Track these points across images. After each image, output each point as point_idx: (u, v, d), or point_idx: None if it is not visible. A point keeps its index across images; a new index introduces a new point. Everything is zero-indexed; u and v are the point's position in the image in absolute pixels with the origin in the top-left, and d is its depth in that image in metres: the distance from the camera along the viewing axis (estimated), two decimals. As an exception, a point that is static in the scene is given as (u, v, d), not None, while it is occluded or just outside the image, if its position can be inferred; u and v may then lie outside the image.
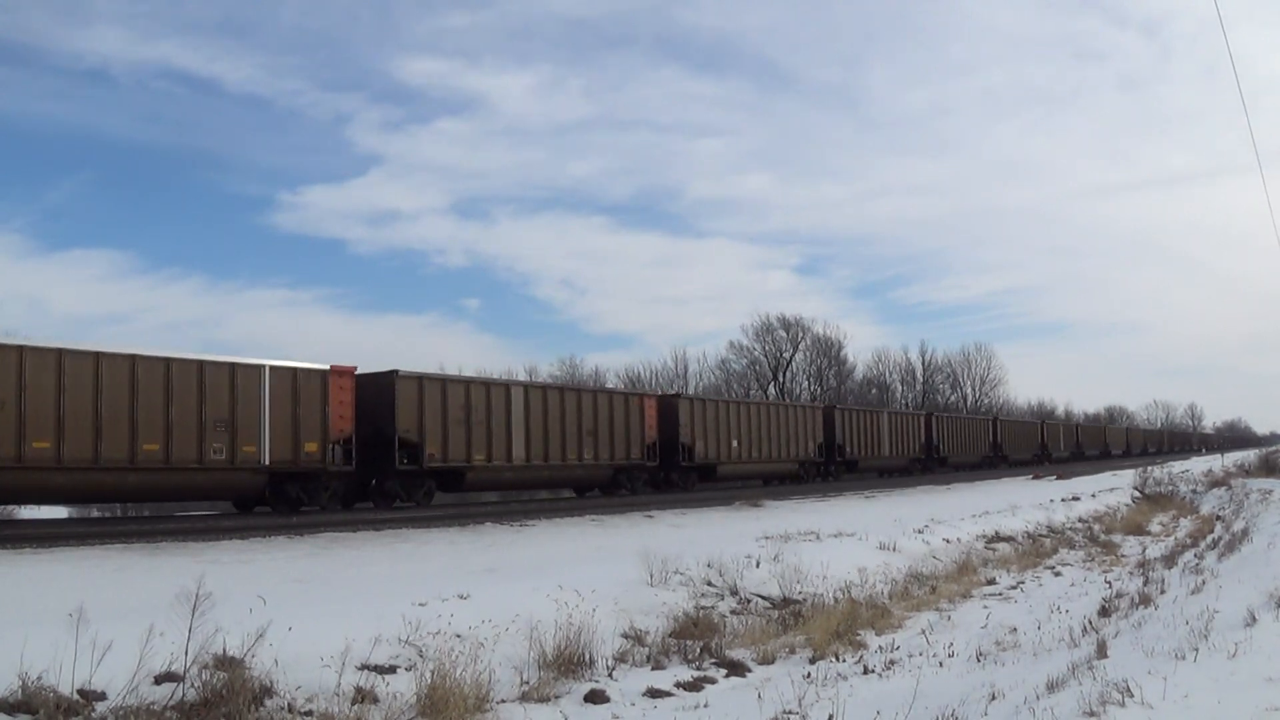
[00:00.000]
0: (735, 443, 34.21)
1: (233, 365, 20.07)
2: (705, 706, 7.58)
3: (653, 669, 8.68)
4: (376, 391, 22.79)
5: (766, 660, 9.18)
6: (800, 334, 76.37)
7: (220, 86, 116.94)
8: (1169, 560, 14.98)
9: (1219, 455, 66.56)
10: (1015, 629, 10.00)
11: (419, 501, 23.56)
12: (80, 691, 6.11)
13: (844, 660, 9.06)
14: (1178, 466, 48.59)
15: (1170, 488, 32.34)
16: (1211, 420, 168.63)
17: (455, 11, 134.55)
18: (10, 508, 23.20)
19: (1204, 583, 10.67)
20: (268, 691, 6.65)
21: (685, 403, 33.00)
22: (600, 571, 11.55)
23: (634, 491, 29.25)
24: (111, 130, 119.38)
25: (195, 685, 6.41)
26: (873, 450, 43.71)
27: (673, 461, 31.48)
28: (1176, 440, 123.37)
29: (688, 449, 31.79)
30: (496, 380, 30.99)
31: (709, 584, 11.83)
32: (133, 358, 18.74)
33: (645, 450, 29.90)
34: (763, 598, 11.77)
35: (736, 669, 8.79)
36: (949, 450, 51.46)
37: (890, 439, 45.51)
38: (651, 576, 11.38)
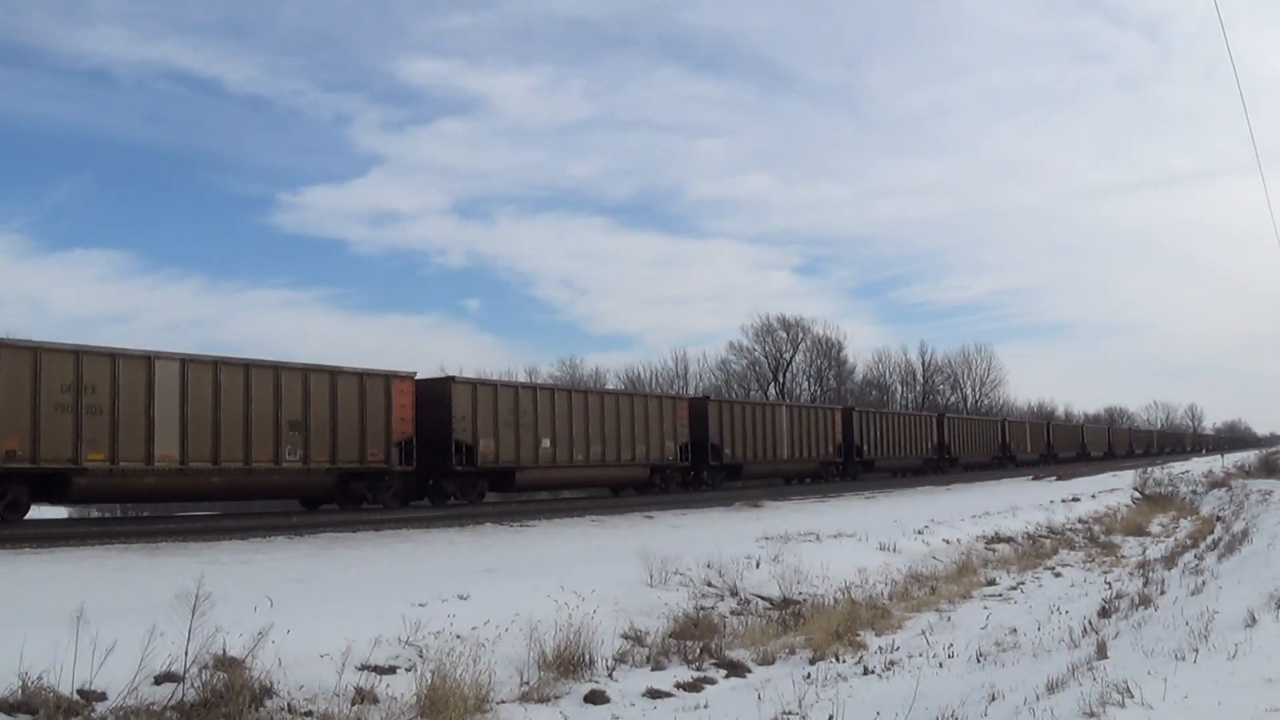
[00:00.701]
0: (760, 443, 35.56)
1: (306, 370, 21.43)
2: (705, 707, 7.58)
3: (653, 669, 8.68)
4: (434, 396, 24.32)
5: (766, 661, 9.18)
6: (800, 334, 76.44)
7: (221, 87, 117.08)
8: (1169, 561, 14.97)
9: (1219, 456, 66.59)
10: (1015, 630, 10.00)
11: (471, 500, 25.16)
12: (80, 691, 6.11)
13: (844, 661, 9.06)
14: (1178, 467, 48.61)
15: (1170, 488, 32.37)
16: (1211, 421, 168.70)
17: (456, 12, 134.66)
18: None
19: (1204, 583, 10.67)
20: (268, 692, 6.65)
21: (714, 405, 34.63)
22: (600, 572, 11.55)
23: (667, 490, 30.72)
24: (112, 130, 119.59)
25: (195, 685, 6.41)
26: (888, 451, 45.19)
27: (702, 461, 32.95)
28: (1178, 440, 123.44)
29: (716, 449, 33.24)
30: (543, 385, 33.46)
31: (709, 584, 11.83)
32: (215, 362, 19.90)
33: (678, 451, 31.57)
34: (763, 598, 11.77)
35: (736, 669, 8.79)
36: (960, 451, 52.94)
37: (905, 440, 47.13)
38: (651, 577, 11.38)
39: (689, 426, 32.21)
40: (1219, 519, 23.14)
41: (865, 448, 42.85)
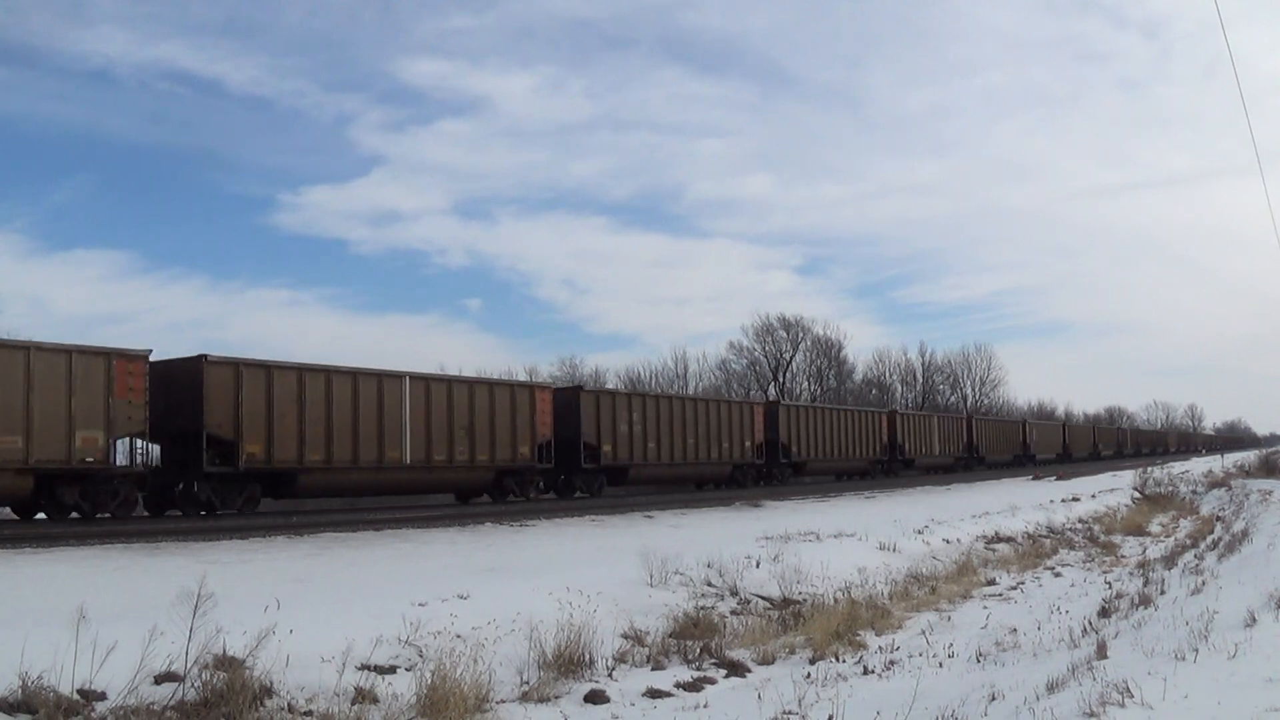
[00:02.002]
0: (821, 443, 39.59)
1: (471, 384, 26.03)
2: (705, 707, 7.58)
3: (653, 669, 8.68)
4: (566, 403, 27.84)
5: (766, 660, 9.18)
6: (800, 334, 76.47)
7: (223, 87, 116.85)
8: (1169, 561, 14.97)
9: (1219, 456, 66.65)
10: (1015, 629, 10.00)
11: (594, 493, 28.70)
12: (80, 691, 6.11)
13: (844, 660, 9.06)
14: (1178, 467, 48.61)
15: (1170, 488, 32.36)
16: (1211, 421, 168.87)
17: (458, 13, 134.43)
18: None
19: (1204, 583, 10.66)
20: (268, 691, 6.66)
21: (784, 409, 38.55)
22: (600, 572, 11.56)
23: (744, 485, 34.72)
24: (114, 131, 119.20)
25: (195, 685, 6.41)
26: (927, 449, 48.90)
27: (774, 459, 36.77)
28: (1189, 440, 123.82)
29: (785, 448, 37.14)
30: (649, 393, 37.71)
31: (709, 584, 11.83)
32: (426, 379, 23.92)
33: (755, 450, 35.43)
34: (763, 598, 11.77)
35: (736, 669, 8.79)
36: (986, 450, 56.03)
37: (940, 439, 50.63)
38: (651, 577, 11.38)
39: (764, 428, 35.97)
40: (1219, 519, 23.13)
41: (907, 446, 46.71)
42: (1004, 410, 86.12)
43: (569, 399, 28.40)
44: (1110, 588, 12.60)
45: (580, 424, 28.00)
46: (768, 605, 11.54)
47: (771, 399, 44.09)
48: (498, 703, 7.30)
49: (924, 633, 10.23)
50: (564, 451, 27.62)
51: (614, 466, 29.37)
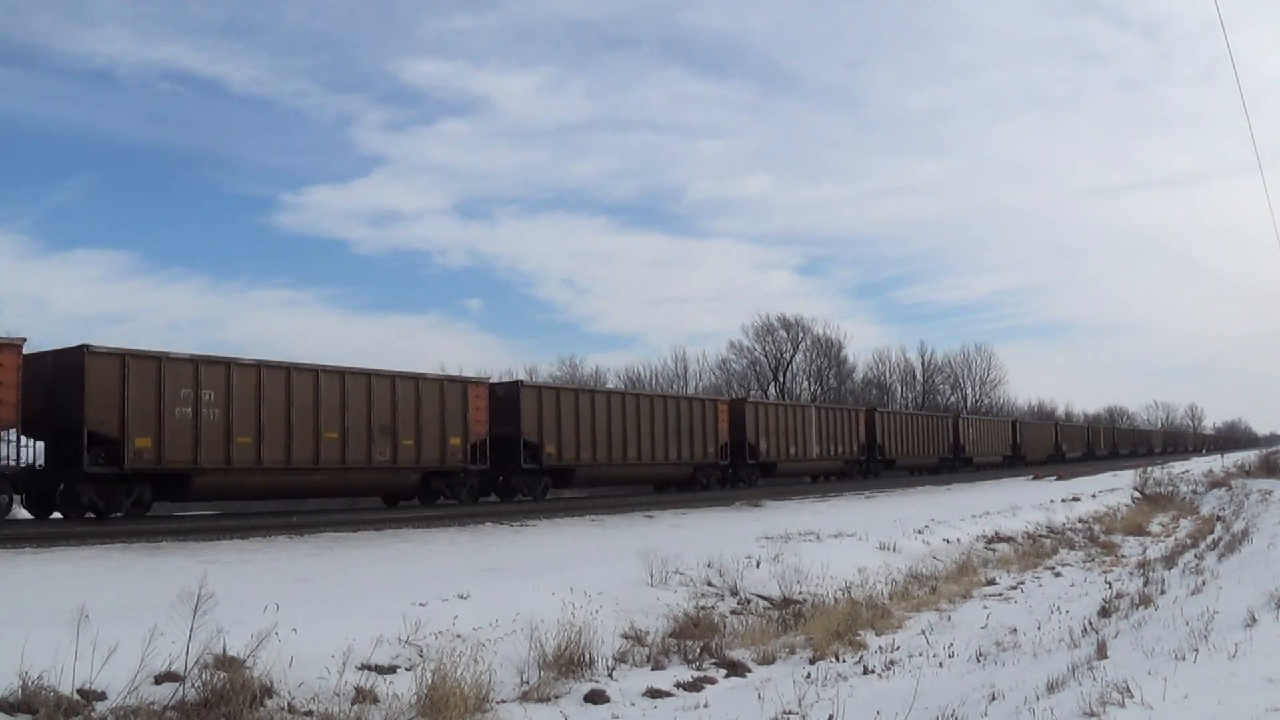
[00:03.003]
0: (792, 443, 37.87)
1: (394, 379, 23.46)
2: (705, 707, 7.58)
3: (653, 669, 8.68)
4: (504, 400, 26.27)
5: (767, 660, 9.18)
6: (800, 334, 76.51)
7: (225, 88, 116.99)
8: (1169, 561, 14.97)
9: (1219, 455, 66.59)
10: (1015, 629, 10.00)
11: (536, 496, 27.11)
12: (80, 691, 6.11)
13: (844, 660, 9.06)
14: (1178, 467, 48.59)
15: (1170, 488, 32.33)
16: (1211, 420, 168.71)
17: (459, 13, 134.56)
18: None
19: (1204, 583, 10.66)
20: (268, 691, 6.65)
21: (751, 407, 36.97)
22: (600, 572, 11.55)
23: (708, 487, 32.66)
24: (115, 131, 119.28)
25: (196, 685, 6.41)
26: (908, 450, 47.27)
27: (740, 460, 34.91)
28: (1181, 440, 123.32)
29: (753, 449, 35.32)
30: (599, 389, 33.94)
31: (709, 584, 11.83)
32: (341, 373, 22.22)
33: (719, 450, 33.42)
34: (763, 598, 11.77)
35: (736, 669, 8.78)
36: (973, 451, 55.01)
37: (923, 439, 49.74)
38: (652, 576, 11.38)
39: (728, 427, 33.91)
40: (1219, 519, 23.13)
41: (887, 446, 44.84)
42: (1003, 410, 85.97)
43: (507, 395, 26.51)
44: (1110, 588, 12.59)
45: (520, 422, 25.94)
46: (768, 605, 11.53)
47: (739, 396, 42.68)
48: (498, 702, 7.30)
49: (924, 633, 10.23)
50: (505, 452, 25.85)
51: (558, 468, 27.15)
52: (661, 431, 30.94)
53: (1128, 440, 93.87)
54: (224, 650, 6.79)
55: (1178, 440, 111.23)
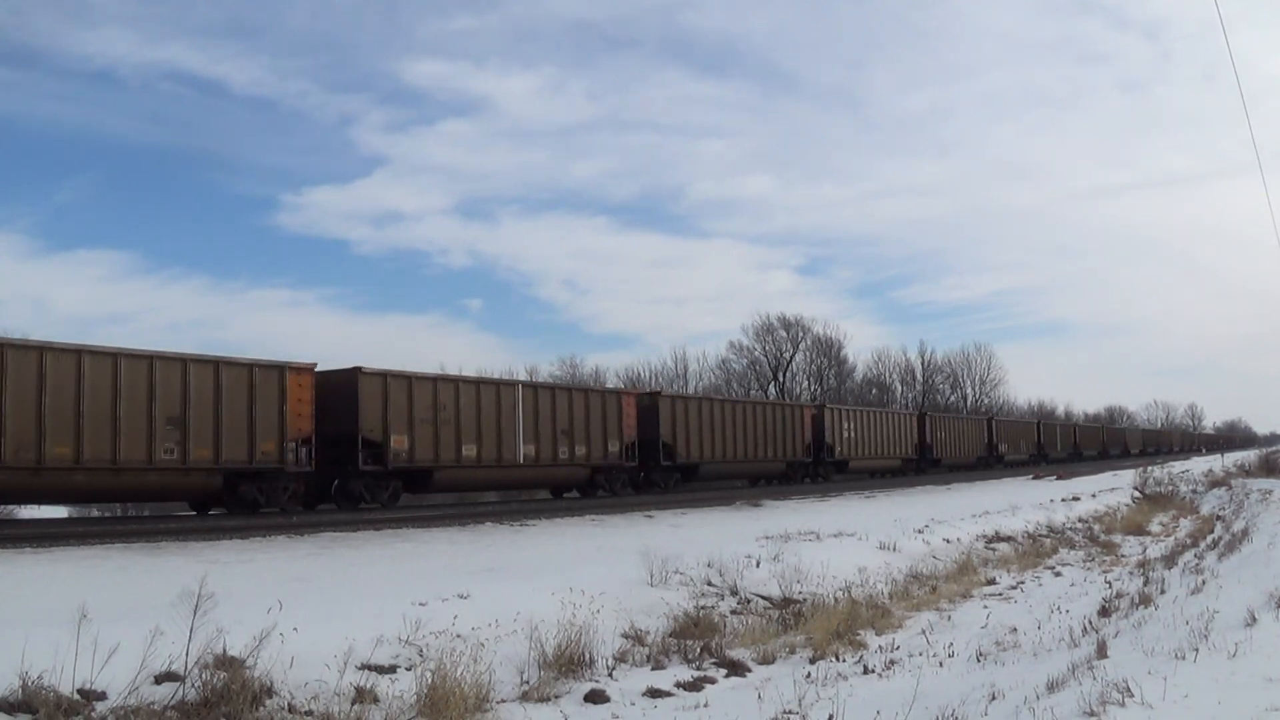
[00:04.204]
0: (720, 442, 34.19)
1: (185, 361, 20.27)
2: (705, 706, 7.58)
3: (653, 669, 8.67)
4: (338, 389, 22.58)
5: (767, 660, 9.18)
6: (800, 334, 76.51)
7: (226, 88, 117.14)
8: (1169, 560, 14.97)
9: (1219, 455, 66.50)
10: (1015, 629, 10.00)
11: (384, 503, 23.49)
12: (80, 691, 6.11)
13: (844, 660, 9.06)
14: (1178, 466, 48.58)
15: (1170, 488, 32.34)
16: (1211, 420, 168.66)
17: (460, 14, 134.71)
18: (10, 508, 23.19)
19: (1204, 583, 10.66)
20: (268, 691, 6.66)
21: (666, 401, 32.85)
22: (601, 571, 11.55)
23: (613, 491, 28.99)
24: (117, 131, 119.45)
25: (196, 685, 6.41)
26: (864, 450, 43.37)
27: (653, 462, 31.43)
28: (1179, 439, 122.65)
29: (669, 449, 31.74)
30: (465, 377, 28.30)
31: (709, 584, 11.83)
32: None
33: (626, 450, 29.51)
34: (763, 597, 11.76)
35: (736, 669, 8.78)
36: (943, 451, 51.15)
37: (883, 439, 45.36)
38: (652, 576, 11.38)
39: (636, 424, 29.84)
40: (1219, 518, 23.13)
41: (838, 447, 41.23)
42: (1002, 409, 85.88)
43: (344, 383, 22.14)
44: (1110, 587, 12.59)
45: (359, 414, 21.90)
46: (768, 605, 11.53)
47: (654, 389, 37.70)
48: (498, 702, 7.30)
49: (924, 632, 10.23)
50: (339, 449, 21.89)
51: (410, 469, 22.90)
52: (552, 428, 26.90)
53: (1119, 440, 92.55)
54: (224, 650, 6.79)
55: (1159, 441, 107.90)
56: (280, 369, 20.76)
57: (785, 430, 37.09)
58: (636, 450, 29.52)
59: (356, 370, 22.28)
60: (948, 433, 48.77)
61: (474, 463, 24.28)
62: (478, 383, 26.10)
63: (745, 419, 35.05)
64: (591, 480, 28.18)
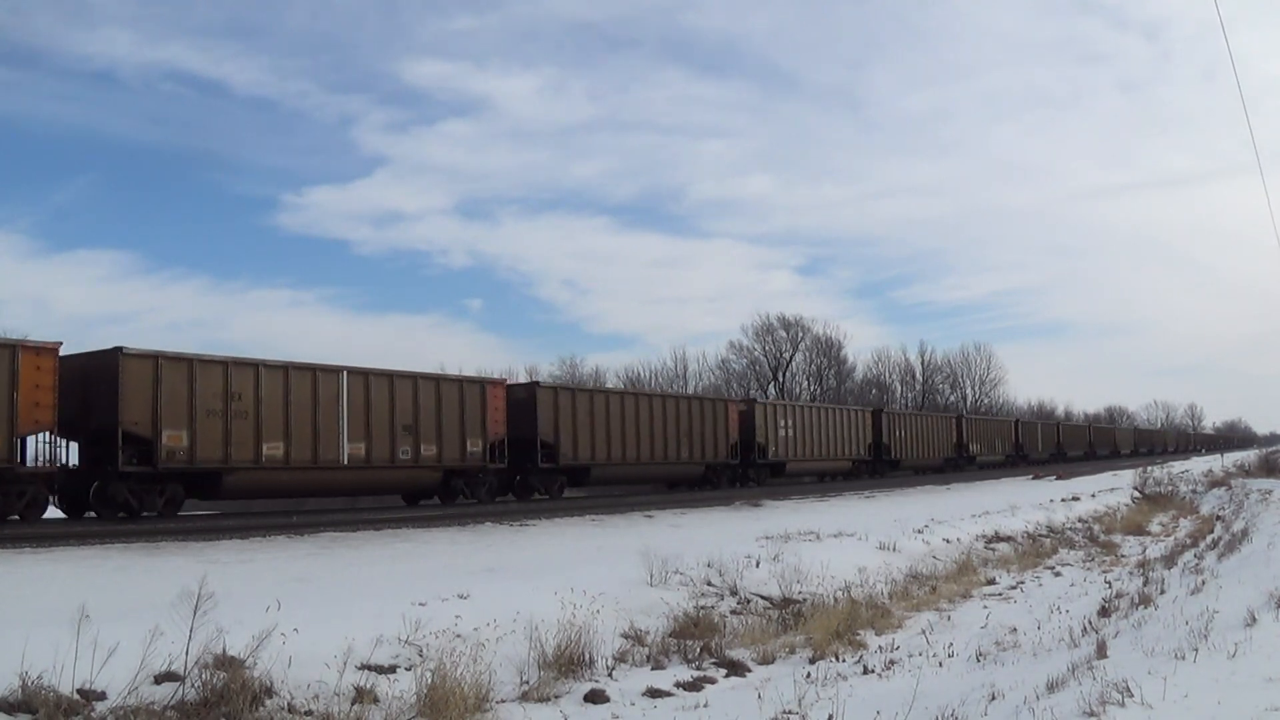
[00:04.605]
0: (619, 442, 29.64)
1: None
2: (705, 706, 7.58)
3: (653, 669, 8.67)
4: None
5: (766, 660, 9.18)
6: (800, 334, 76.50)
7: (227, 88, 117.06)
8: (1169, 560, 14.97)
9: (1219, 455, 66.44)
10: (1015, 629, 10.00)
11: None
12: (80, 691, 6.11)
13: (844, 660, 9.06)
14: (1178, 466, 48.59)
15: (1170, 488, 32.35)
16: (1211, 420, 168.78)
17: (461, 14, 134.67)
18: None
19: (1204, 583, 10.66)
20: (268, 691, 6.65)
21: (545, 393, 28.62)
22: (600, 571, 11.56)
23: (479, 498, 25.43)
24: (117, 132, 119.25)
25: (196, 685, 6.41)
26: (811, 451, 39.02)
27: (531, 462, 27.27)
28: (1179, 439, 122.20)
29: (550, 448, 27.27)
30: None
31: (709, 584, 11.83)
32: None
33: (492, 449, 25.67)
34: (763, 598, 11.77)
35: (736, 669, 8.78)
36: (905, 452, 47.04)
37: (834, 439, 40.72)
38: (651, 576, 11.39)
39: (506, 420, 25.81)
40: (1219, 518, 23.12)
41: (773, 448, 36.18)
42: (1003, 410, 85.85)
43: (102, 367, 18.46)
44: (1110, 587, 12.59)
45: (119, 404, 18.17)
46: (768, 605, 11.53)
47: (530, 379, 36.35)
48: (498, 702, 7.30)
49: (924, 632, 10.23)
50: (99, 447, 18.57)
51: (191, 471, 19.28)
52: (400, 423, 23.33)
53: (1128, 440, 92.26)
54: (224, 650, 6.79)
55: (1152, 441, 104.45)
56: (12, 348, 17.09)
57: (705, 429, 32.33)
58: (506, 450, 25.19)
59: (117, 351, 18.58)
60: (908, 431, 44.97)
61: (280, 464, 20.25)
62: (286, 368, 20.89)
63: (651, 415, 30.15)
64: (447, 485, 24.14)
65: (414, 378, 23.52)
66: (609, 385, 51.59)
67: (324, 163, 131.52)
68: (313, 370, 21.35)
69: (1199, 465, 52.33)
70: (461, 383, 25.00)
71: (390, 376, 22.94)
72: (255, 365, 20.39)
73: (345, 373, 21.95)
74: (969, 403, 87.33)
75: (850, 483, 39.04)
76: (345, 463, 21.54)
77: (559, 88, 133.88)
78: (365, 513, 21.26)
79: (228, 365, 19.86)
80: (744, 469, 34.70)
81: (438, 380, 24.22)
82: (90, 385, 18.42)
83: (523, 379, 51.78)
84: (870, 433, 42.60)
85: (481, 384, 25.53)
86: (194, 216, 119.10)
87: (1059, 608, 11.34)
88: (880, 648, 9.58)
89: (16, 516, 16.97)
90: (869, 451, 42.61)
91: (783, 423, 36.60)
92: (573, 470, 27.53)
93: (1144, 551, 17.66)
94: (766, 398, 63.12)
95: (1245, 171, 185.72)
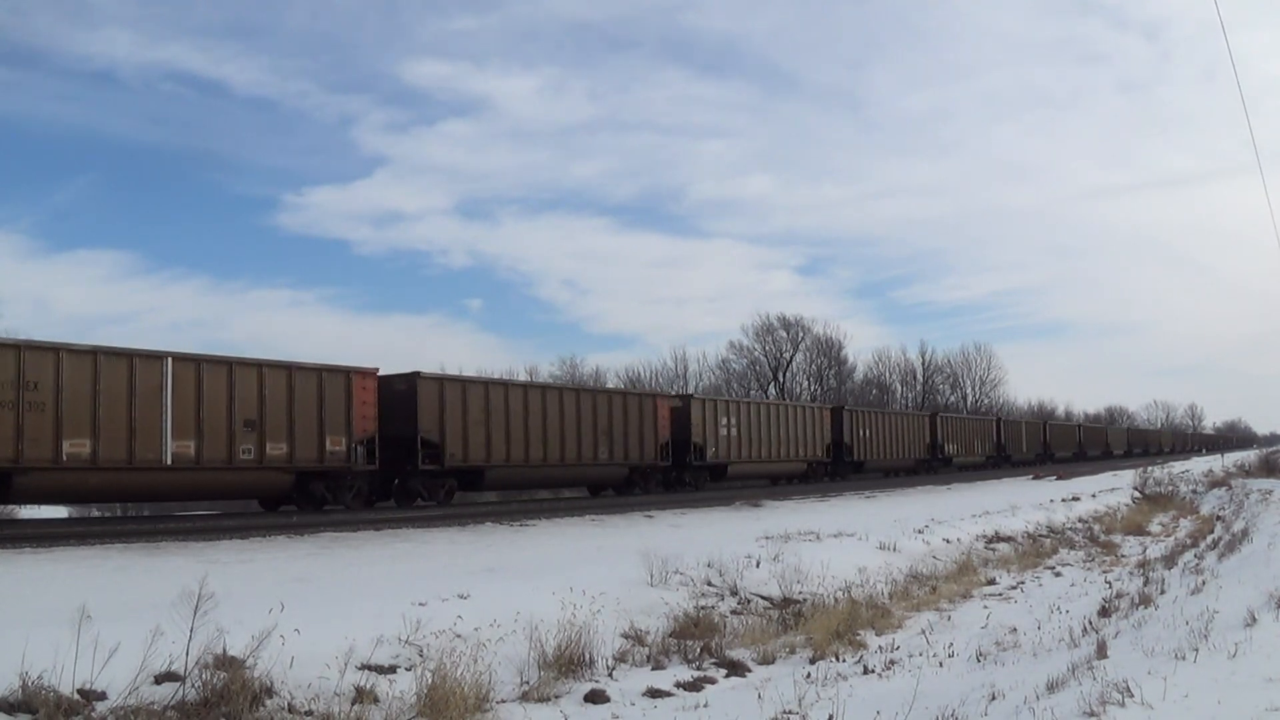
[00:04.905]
0: (520, 439, 26.42)
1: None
2: (705, 706, 7.58)
3: (653, 669, 8.68)
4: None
5: (766, 660, 9.18)
6: (800, 334, 76.55)
7: (227, 88, 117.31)
8: (1169, 560, 14.97)
9: (1219, 455, 66.36)
10: (1015, 629, 10.00)
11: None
12: (80, 691, 6.11)
13: (844, 660, 9.06)
14: (1178, 466, 48.58)
15: (1170, 488, 32.33)
16: (1211, 420, 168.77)
17: (461, 15, 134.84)
18: (9, 507, 23.13)
19: (1204, 583, 10.66)
20: (268, 691, 6.66)
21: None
22: (601, 571, 11.56)
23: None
24: (118, 132, 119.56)
25: (196, 685, 6.41)
26: (754, 452, 35.97)
27: (409, 460, 24.53)
28: (1178, 440, 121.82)
29: (434, 445, 24.01)
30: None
31: (709, 584, 11.83)
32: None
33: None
34: (763, 598, 11.77)
35: (736, 669, 8.79)
36: (868, 452, 44.27)
37: (784, 439, 37.94)
38: (652, 576, 11.39)
39: (378, 415, 23.00)
40: (1219, 518, 23.11)
41: (712, 447, 33.48)
42: (1003, 410, 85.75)
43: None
44: (1110, 587, 12.59)
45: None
46: (768, 605, 11.54)
47: (530, 379, 34.16)
48: (498, 702, 7.30)
49: (924, 632, 10.23)
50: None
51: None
52: (227, 418, 20.54)
53: (1122, 440, 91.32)
54: (224, 650, 6.79)
55: (1146, 441, 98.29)
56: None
57: (629, 427, 29.23)
58: (376, 450, 22.33)
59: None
60: (873, 431, 42.76)
61: (85, 463, 17.68)
62: (95, 353, 18.10)
63: (562, 412, 27.02)
64: (303, 489, 21.31)
65: (259, 365, 20.35)
66: (514, 380, 43.19)
67: (324, 163, 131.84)
68: (129, 357, 18.51)
69: (1199, 465, 52.33)
70: (321, 372, 21.41)
71: (229, 364, 19.94)
72: (56, 350, 17.53)
73: (170, 360, 19.04)
74: (969, 403, 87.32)
75: (851, 483, 38.71)
76: (169, 463, 18.69)
77: (559, 88, 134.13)
78: (365, 513, 21.23)
79: (20, 350, 17.17)
80: (677, 472, 31.66)
81: (290, 369, 20.90)
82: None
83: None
84: (829, 432, 39.95)
85: (347, 373, 21.87)
86: (194, 216, 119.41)
87: (1059, 608, 11.34)
88: (880, 648, 9.58)
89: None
90: (827, 453, 39.75)
91: (724, 420, 33.64)
92: (462, 473, 24.43)
93: (1144, 551, 17.65)
94: (766, 396, 63.11)
95: (1245, 171, 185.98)
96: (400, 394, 23.04)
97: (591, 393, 29.98)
